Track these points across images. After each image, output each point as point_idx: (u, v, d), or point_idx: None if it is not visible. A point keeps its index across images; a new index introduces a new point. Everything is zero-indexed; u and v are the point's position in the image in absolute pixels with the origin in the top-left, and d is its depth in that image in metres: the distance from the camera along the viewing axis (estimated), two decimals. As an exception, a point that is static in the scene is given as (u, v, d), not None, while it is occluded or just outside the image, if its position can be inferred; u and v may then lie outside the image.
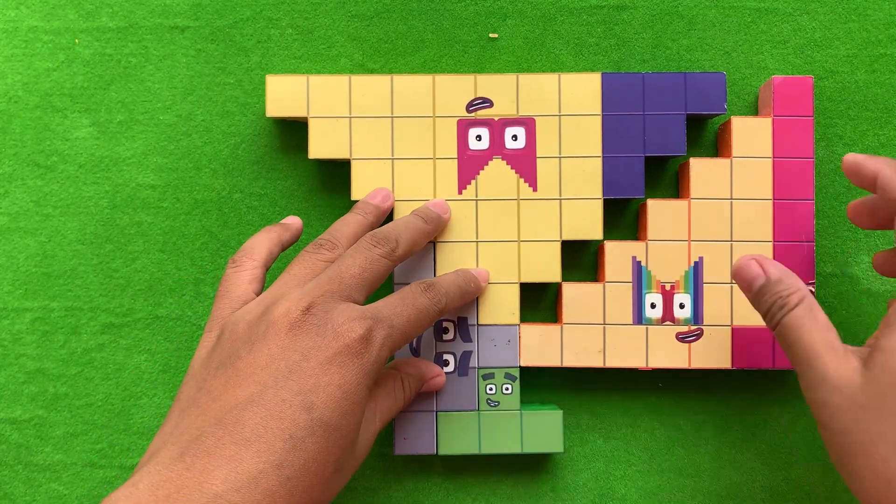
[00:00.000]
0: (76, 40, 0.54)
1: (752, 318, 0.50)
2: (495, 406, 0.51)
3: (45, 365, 0.53)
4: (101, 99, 0.54)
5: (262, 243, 0.47)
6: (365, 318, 0.41)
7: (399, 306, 0.44)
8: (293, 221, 0.50)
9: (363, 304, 0.43)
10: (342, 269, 0.43)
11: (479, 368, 0.51)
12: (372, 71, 0.53)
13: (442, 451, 0.51)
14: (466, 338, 0.51)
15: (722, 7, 0.53)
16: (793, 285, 0.42)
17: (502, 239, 0.51)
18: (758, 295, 0.43)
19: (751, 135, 0.51)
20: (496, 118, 0.51)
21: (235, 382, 0.39)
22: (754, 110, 0.53)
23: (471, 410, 0.51)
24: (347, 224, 0.48)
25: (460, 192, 0.51)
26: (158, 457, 0.38)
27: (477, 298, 0.51)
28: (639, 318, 0.51)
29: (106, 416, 0.53)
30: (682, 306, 0.50)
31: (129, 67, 0.54)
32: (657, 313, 0.51)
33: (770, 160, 0.51)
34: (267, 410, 0.38)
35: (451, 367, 0.51)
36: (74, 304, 0.53)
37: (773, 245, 0.50)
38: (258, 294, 0.45)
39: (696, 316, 0.50)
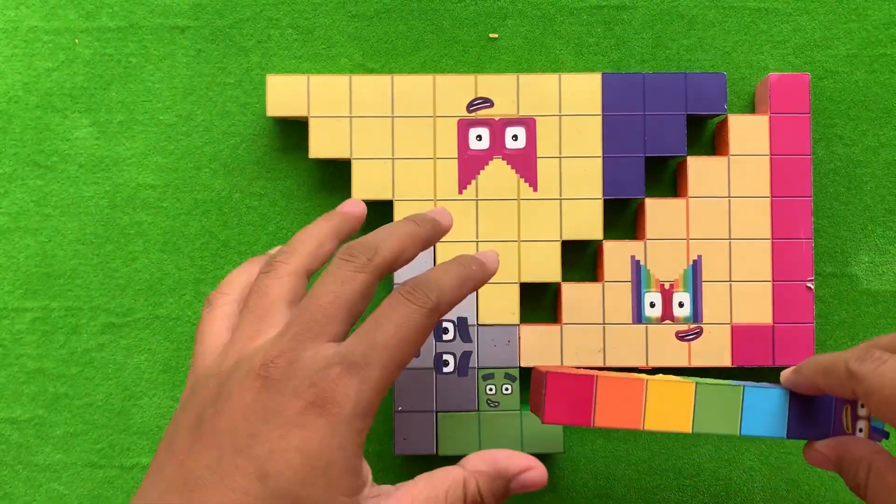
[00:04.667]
0: (76, 40, 0.54)
1: (751, 315, 0.50)
2: (495, 406, 0.51)
3: (45, 365, 0.53)
4: (102, 99, 0.54)
5: (239, 275, 0.42)
6: (332, 366, 0.35)
7: (375, 332, 0.36)
8: (351, 209, 0.44)
9: (346, 333, 0.38)
10: (311, 302, 0.37)
11: (479, 369, 0.51)
12: (372, 71, 0.53)
13: (442, 452, 0.51)
14: (466, 338, 0.51)
15: (722, 7, 0.53)
16: (859, 459, 0.40)
17: (502, 239, 0.51)
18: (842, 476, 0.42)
19: (748, 132, 0.51)
20: (496, 118, 0.51)
21: (198, 447, 0.35)
22: (753, 109, 0.53)
23: (471, 411, 0.51)
24: (307, 232, 0.42)
25: (460, 192, 0.51)
26: None
27: (477, 299, 0.51)
28: (638, 317, 0.51)
29: (106, 415, 0.53)
30: (681, 305, 0.50)
31: (130, 67, 0.54)
32: (656, 312, 0.51)
33: (767, 157, 0.51)
34: (222, 480, 0.34)
35: (450, 368, 0.51)
36: (74, 304, 0.53)
37: (772, 242, 0.50)
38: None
39: (696, 314, 0.50)
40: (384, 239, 0.39)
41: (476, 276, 0.41)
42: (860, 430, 0.44)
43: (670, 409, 0.43)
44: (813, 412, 0.44)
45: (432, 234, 0.42)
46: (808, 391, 0.42)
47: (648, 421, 0.43)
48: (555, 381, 0.42)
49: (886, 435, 0.44)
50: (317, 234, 0.41)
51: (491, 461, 0.38)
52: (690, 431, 0.43)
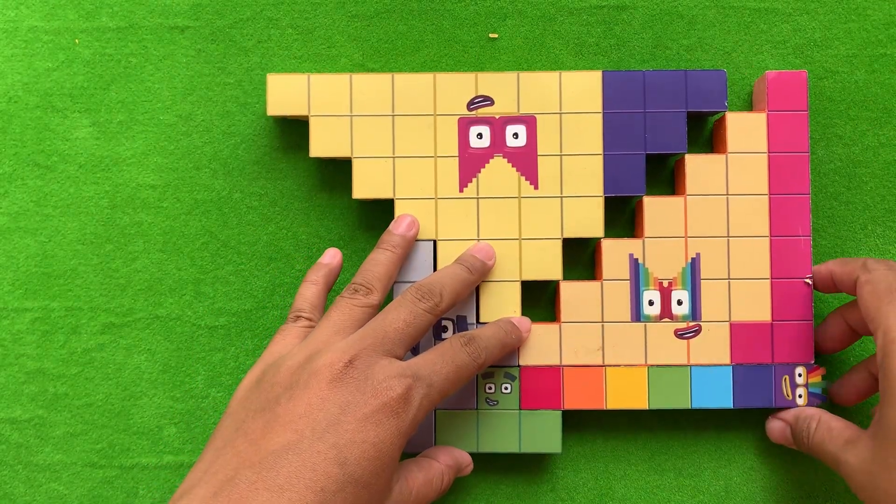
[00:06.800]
0: (76, 40, 0.54)
1: (750, 313, 0.50)
2: (494, 405, 0.51)
3: (45, 365, 0.53)
4: (102, 99, 0.54)
5: (316, 297, 0.49)
6: (405, 377, 0.42)
7: (438, 363, 0.44)
8: (333, 260, 0.51)
9: (403, 359, 0.44)
10: (386, 322, 0.44)
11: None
12: (372, 71, 0.54)
13: (442, 450, 0.51)
14: (466, 337, 0.51)
15: (721, 7, 0.54)
16: (810, 415, 0.49)
17: (503, 237, 0.51)
18: (793, 435, 0.50)
19: (746, 130, 0.51)
20: (497, 116, 0.51)
21: (273, 428, 0.40)
22: (751, 108, 0.53)
23: (470, 409, 0.51)
24: (378, 264, 0.48)
25: (461, 191, 0.51)
26: (192, 495, 0.38)
27: (478, 296, 0.51)
28: (637, 315, 0.51)
29: (106, 416, 0.53)
30: (679, 303, 0.50)
31: (129, 67, 0.54)
32: (655, 310, 0.51)
33: (765, 155, 0.51)
34: (302, 460, 0.39)
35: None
36: (74, 304, 0.53)
37: (770, 240, 0.50)
38: None
39: (695, 312, 0.50)
40: (446, 286, 0.47)
41: (512, 345, 0.49)
42: (800, 397, 0.50)
43: (628, 390, 0.50)
44: (756, 383, 0.50)
45: (481, 279, 0.50)
46: (822, 282, 0.50)
47: (610, 401, 0.50)
48: (528, 372, 0.50)
49: (824, 398, 0.50)
50: (392, 275, 0.49)
51: (453, 457, 0.49)
52: (647, 408, 0.50)
